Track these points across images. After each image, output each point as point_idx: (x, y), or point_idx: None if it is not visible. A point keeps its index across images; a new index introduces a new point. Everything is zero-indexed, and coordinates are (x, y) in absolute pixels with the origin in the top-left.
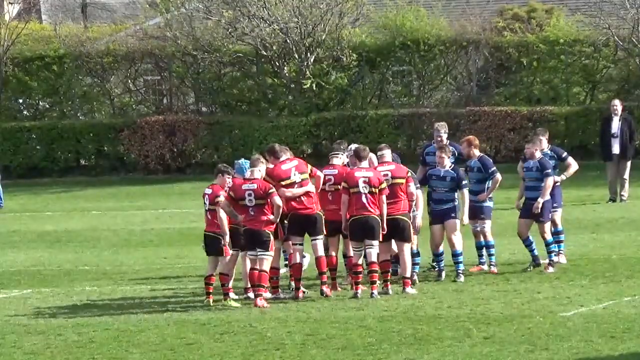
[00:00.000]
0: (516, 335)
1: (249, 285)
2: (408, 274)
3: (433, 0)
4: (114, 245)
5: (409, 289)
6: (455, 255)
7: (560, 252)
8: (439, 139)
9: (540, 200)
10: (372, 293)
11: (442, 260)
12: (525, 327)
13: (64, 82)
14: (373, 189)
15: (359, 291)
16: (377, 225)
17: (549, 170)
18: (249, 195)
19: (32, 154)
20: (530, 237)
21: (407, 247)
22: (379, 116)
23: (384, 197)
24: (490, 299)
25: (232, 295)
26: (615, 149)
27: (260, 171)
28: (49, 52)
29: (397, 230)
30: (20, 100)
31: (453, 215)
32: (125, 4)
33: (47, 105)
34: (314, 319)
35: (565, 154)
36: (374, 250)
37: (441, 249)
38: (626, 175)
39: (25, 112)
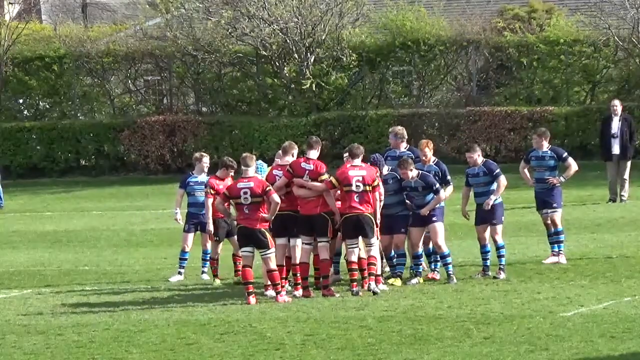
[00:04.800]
0: (516, 335)
1: (247, 282)
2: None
3: (433, 0)
4: (114, 245)
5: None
6: (443, 257)
7: (561, 252)
8: (396, 143)
9: (492, 198)
10: (369, 284)
11: (420, 264)
12: (525, 327)
13: (64, 82)
14: (367, 188)
15: (357, 288)
16: (370, 223)
17: (498, 171)
18: (245, 193)
19: (32, 154)
20: (489, 246)
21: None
22: (379, 116)
23: (377, 195)
24: (490, 299)
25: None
26: (615, 149)
27: (254, 170)
28: (49, 52)
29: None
30: (20, 100)
31: (435, 219)
32: (125, 4)
33: (47, 105)
34: (314, 319)
35: (565, 154)
36: (374, 247)
37: (420, 250)
38: (626, 176)
39: (25, 112)
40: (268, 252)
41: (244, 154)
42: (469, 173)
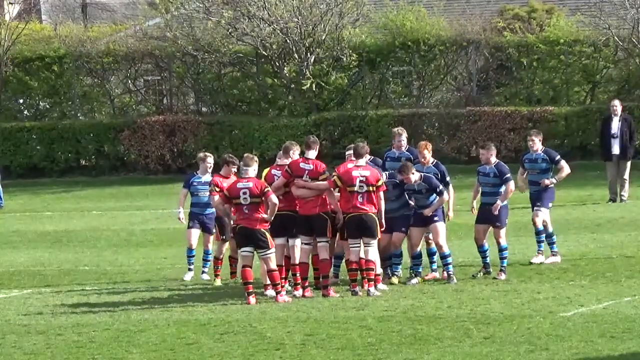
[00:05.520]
0: (516, 335)
1: (246, 283)
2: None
3: (433, 0)
4: (114, 245)
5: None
6: (444, 257)
7: (540, 252)
8: (400, 144)
9: (499, 203)
10: (368, 290)
11: (420, 264)
12: (525, 327)
13: (64, 82)
14: (370, 188)
15: (357, 289)
16: (374, 223)
17: (508, 175)
18: (244, 193)
19: (32, 154)
20: (486, 245)
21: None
22: (379, 116)
23: (381, 194)
24: (490, 299)
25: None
26: (615, 149)
27: (254, 170)
28: (49, 52)
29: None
30: (20, 100)
31: (436, 219)
32: (125, 4)
33: (47, 105)
34: (314, 319)
35: (558, 157)
36: (371, 249)
37: (418, 250)
38: (626, 176)
39: (25, 112)
40: (268, 252)
41: (246, 154)
42: (480, 171)
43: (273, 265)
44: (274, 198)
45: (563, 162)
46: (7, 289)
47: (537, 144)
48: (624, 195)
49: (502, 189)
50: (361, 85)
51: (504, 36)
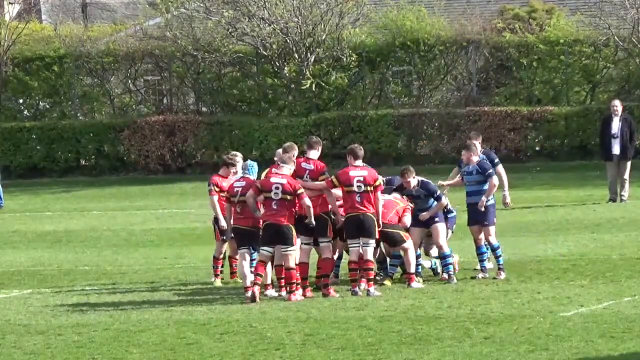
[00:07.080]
0: (516, 335)
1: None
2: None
3: (434, 0)
4: (114, 245)
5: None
6: (443, 257)
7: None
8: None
9: (484, 199)
10: (368, 290)
11: (419, 264)
12: (525, 327)
13: (64, 82)
14: (367, 188)
15: (357, 289)
16: (372, 223)
17: (491, 171)
18: (277, 188)
19: (32, 154)
20: (484, 247)
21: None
22: (379, 116)
23: (379, 194)
24: (490, 299)
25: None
26: (615, 149)
27: (290, 170)
28: (49, 52)
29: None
30: (20, 100)
31: (437, 219)
32: (125, 4)
33: (47, 105)
34: (314, 319)
35: (496, 159)
36: (369, 248)
37: (418, 250)
38: (626, 176)
39: (25, 112)
40: (290, 249)
41: (283, 155)
42: (465, 171)
43: (292, 263)
44: (307, 201)
45: (500, 167)
46: (7, 289)
47: (476, 150)
48: (624, 195)
49: (486, 186)
50: (361, 85)
51: (504, 36)
